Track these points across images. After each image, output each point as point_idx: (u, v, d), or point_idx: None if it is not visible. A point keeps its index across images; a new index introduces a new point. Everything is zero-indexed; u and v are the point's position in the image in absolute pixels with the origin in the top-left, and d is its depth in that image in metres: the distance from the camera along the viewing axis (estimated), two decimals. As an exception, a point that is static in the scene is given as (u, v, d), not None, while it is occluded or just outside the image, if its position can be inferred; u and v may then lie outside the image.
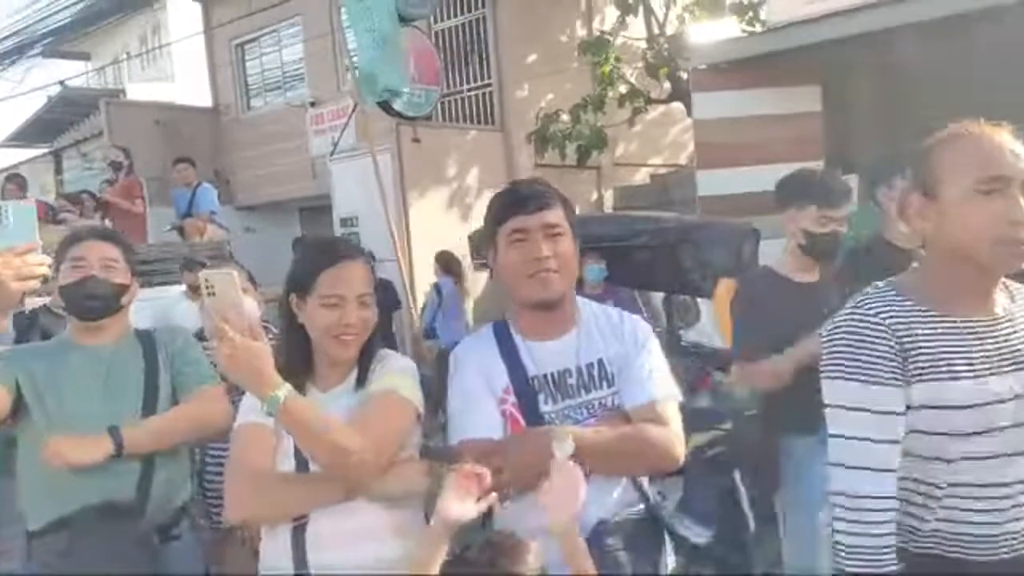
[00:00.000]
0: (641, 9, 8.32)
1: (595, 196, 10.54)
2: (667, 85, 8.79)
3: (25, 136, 15.35)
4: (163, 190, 8.65)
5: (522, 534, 1.42)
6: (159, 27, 20.42)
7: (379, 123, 7.94)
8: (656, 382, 1.69)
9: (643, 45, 8.74)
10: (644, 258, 4.67)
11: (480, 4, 9.63)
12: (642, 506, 1.68)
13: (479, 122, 9.64)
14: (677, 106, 9.46)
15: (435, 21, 9.47)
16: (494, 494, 1.41)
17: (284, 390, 1.45)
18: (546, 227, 1.64)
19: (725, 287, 4.60)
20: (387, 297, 6.30)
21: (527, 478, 1.50)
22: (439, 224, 8.56)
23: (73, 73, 18.36)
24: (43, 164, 12.40)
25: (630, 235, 4.49)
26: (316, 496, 1.55)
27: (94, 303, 1.97)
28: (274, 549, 1.59)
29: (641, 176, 10.77)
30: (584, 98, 8.32)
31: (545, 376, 1.67)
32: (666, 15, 8.40)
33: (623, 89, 8.33)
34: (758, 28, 7.92)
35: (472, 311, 7.07)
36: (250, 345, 1.42)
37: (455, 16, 9.76)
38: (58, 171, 11.88)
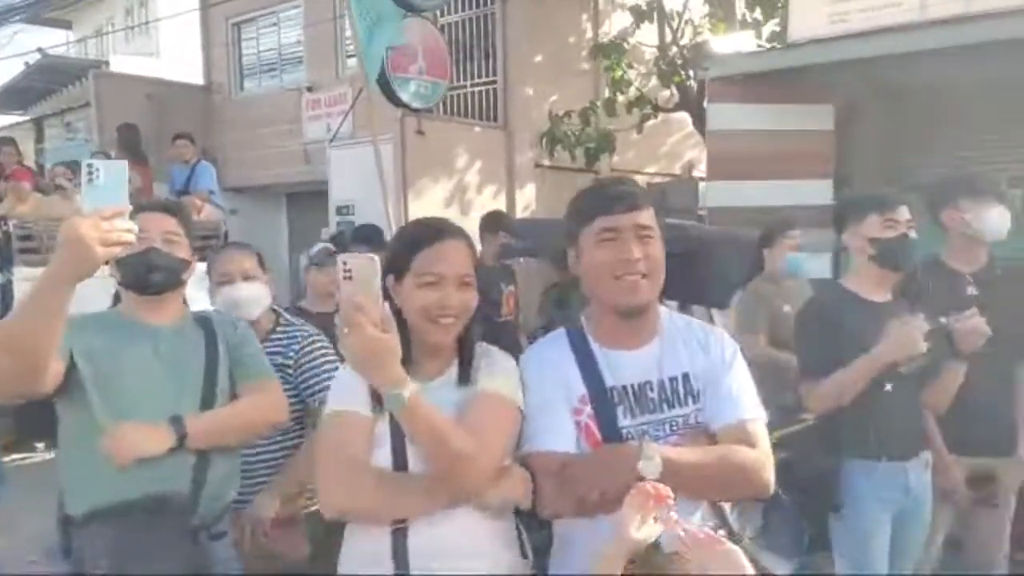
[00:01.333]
0: (655, 16, 8.28)
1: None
2: (672, 93, 8.78)
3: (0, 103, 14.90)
4: (156, 165, 8.38)
5: (589, 556, 1.34)
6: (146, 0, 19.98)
7: (382, 112, 7.80)
8: (745, 401, 1.61)
9: (653, 52, 8.71)
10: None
11: (490, 0, 9.53)
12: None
13: (481, 118, 9.53)
14: (677, 116, 9.47)
15: (442, 14, 9.33)
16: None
17: (409, 388, 1.36)
18: (638, 227, 1.56)
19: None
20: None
21: (608, 499, 1.42)
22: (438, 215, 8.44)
23: (53, 42, 17.86)
24: (23, 131, 11.97)
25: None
26: (424, 501, 1.45)
27: (156, 276, 1.84)
28: (371, 551, 1.48)
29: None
30: (592, 102, 8.25)
31: (624, 388, 1.59)
32: (679, 25, 8.39)
33: (632, 95, 8.29)
34: (765, 44, 7.96)
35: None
36: (380, 337, 1.33)
37: (464, 10, 9.65)
38: (39, 139, 11.46)
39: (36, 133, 11.86)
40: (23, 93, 13.93)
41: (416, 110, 8.02)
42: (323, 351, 2.36)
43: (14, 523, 2.10)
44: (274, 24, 11.72)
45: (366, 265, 1.34)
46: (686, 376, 1.61)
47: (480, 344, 1.62)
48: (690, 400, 1.60)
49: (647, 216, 1.58)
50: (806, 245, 4.23)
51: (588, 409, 1.56)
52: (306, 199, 11.43)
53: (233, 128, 11.62)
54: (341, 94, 10.68)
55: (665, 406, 1.58)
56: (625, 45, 8.28)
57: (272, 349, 2.30)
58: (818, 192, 6.30)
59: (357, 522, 1.51)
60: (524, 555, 1.56)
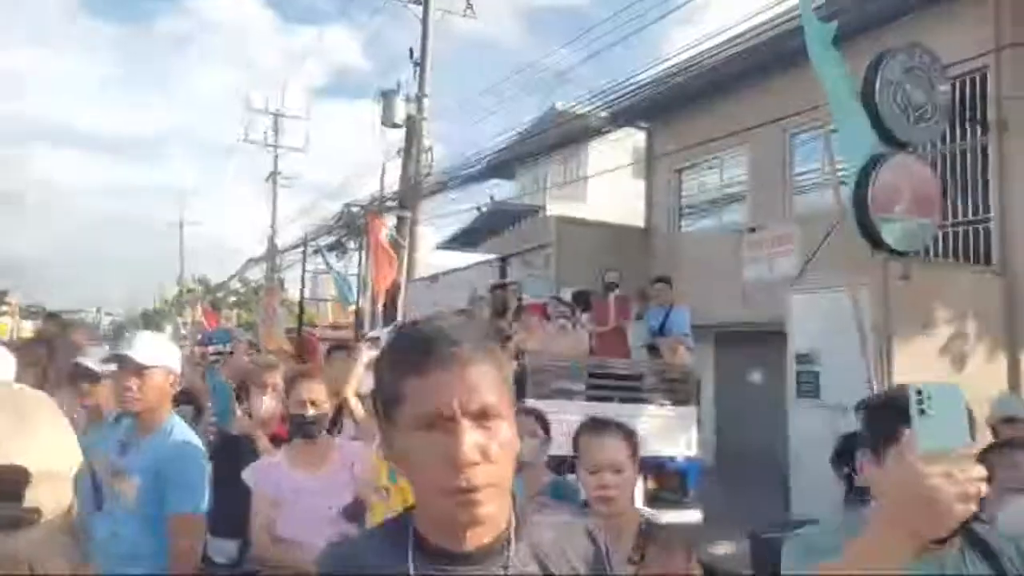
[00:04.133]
0: None
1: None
2: None
3: (456, 242, 17.80)
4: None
5: None
6: (577, 153, 22.49)
7: (855, 255, 7.14)
8: None
9: None
10: None
11: (982, 130, 8.47)
12: None
13: (970, 261, 8.30)
14: None
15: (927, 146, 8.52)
16: None
17: None
18: None
19: None
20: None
21: None
22: (926, 375, 7.32)
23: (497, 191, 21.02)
24: (490, 268, 13.72)
25: None
26: None
27: None
28: None
29: None
30: None
31: None
32: None
33: None
34: None
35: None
36: None
37: (951, 141, 8.72)
38: (502, 275, 13.01)
39: (501, 270, 13.50)
40: (473, 233, 16.43)
41: (900, 253, 7.20)
42: None
43: None
44: (716, 167, 11.99)
45: None
46: None
47: None
48: None
49: None
50: None
51: None
52: (737, 339, 11.11)
53: (669, 267, 11.94)
54: (787, 234, 10.31)
55: None
56: None
57: None
58: None
59: None
60: None
